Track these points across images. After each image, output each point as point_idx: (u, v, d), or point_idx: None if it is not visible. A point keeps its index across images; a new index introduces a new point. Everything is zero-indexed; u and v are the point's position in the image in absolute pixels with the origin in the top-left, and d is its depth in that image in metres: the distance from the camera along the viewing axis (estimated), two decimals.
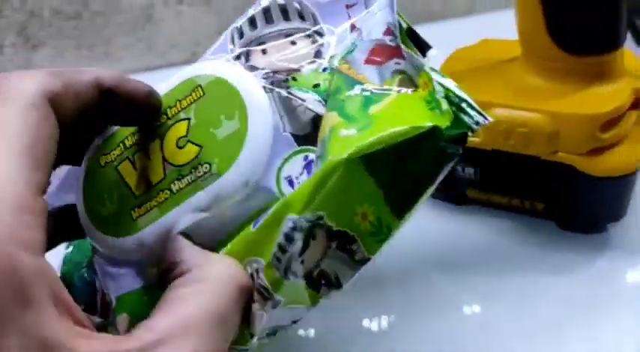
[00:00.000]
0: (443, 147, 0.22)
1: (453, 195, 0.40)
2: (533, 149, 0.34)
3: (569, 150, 0.34)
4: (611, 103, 0.33)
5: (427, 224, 0.41)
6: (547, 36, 0.33)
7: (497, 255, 0.38)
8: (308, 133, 0.23)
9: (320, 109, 0.23)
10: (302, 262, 0.21)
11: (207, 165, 0.22)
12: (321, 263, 0.21)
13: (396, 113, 0.22)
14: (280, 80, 0.24)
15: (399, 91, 0.23)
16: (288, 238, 0.21)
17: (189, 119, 0.23)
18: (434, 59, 0.54)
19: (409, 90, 0.23)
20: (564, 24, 0.33)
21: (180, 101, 0.24)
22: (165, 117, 0.24)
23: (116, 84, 0.21)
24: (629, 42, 0.56)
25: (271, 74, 0.24)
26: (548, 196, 0.36)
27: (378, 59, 0.24)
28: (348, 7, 0.26)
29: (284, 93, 0.24)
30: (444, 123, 0.22)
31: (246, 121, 0.22)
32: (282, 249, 0.21)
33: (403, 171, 0.21)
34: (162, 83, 0.26)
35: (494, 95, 0.35)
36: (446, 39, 0.61)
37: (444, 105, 0.23)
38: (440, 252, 0.39)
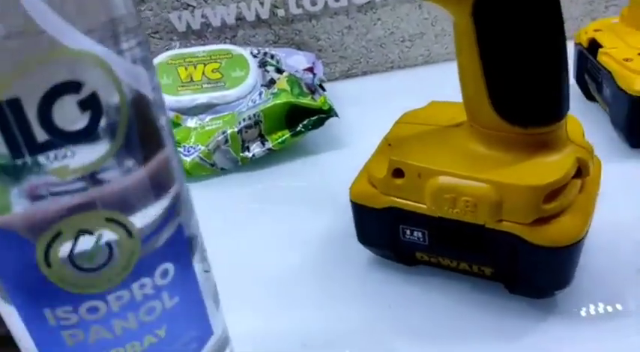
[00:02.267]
0: None
1: (403, 257, 0.40)
2: (478, 217, 0.34)
3: (514, 219, 0.34)
4: (554, 174, 0.33)
5: (377, 284, 0.41)
6: (490, 106, 0.34)
7: (446, 318, 0.38)
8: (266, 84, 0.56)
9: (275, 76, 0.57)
10: None
11: (223, 83, 0.55)
12: None
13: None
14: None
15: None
16: None
17: (221, 62, 0.57)
18: (391, 108, 0.55)
19: None
20: (507, 95, 0.33)
21: (217, 55, 0.57)
22: (209, 57, 0.57)
23: None
24: (579, 96, 0.57)
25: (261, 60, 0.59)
26: (494, 262, 0.36)
27: None
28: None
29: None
30: None
31: (248, 73, 0.56)
32: None
33: None
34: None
35: (439, 162, 0.35)
36: (404, 87, 0.62)
37: None
38: (389, 315, 0.39)
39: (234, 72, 0.56)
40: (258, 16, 0.62)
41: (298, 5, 0.62)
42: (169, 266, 0.23)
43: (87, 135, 0.19)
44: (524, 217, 0.33)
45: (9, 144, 0.18)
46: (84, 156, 0.19)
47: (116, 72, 0.19)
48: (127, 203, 0.21)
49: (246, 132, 0.53)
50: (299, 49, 0.63)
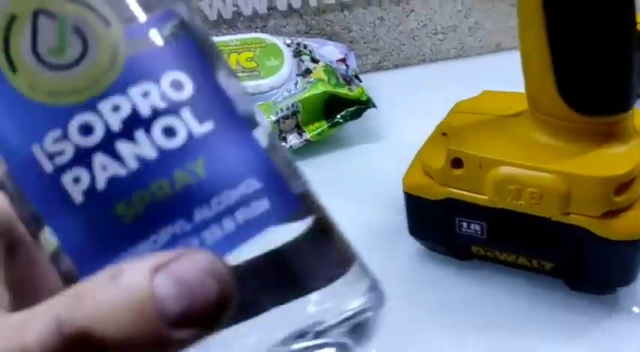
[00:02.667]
0: None
1: (457, 251, 0.39)
2: (544, 210, 0.33)
3: (582, 212, 0.33)
4: (625, 165, 0.32)
5: (430, 279, 0.40)
6: (557, 95, 0.32)
7: (503, 314, 0.37)
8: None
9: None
10: None
11: (258, 72, 0.53)
12: None
13: None
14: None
15: None
16: None
17: (254, 51, 0.54)
18: (425, 101, 0.54)
19: None
20: (575, 84, 0.32)
21: (251, 43, 0.55)
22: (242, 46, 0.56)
23: None
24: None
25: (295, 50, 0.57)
26: (557, 257, 0.35)
27: None
28: None
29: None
30: None
31: (282, 63, 0.54)
32: None
33: None
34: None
35: (501, 152, 0.34)
36: (437, 81, 0.61)
37: None
38: (442, 309, 0.38)
39: (268, 61, 0.55)
40: (290, 5, 0.60)
41: None
42: (181, 75, 0.17)
43: None
44: (594, 210, 0.32)
45: None
46: None
47: None
48: None
49: (284, 122, 0.51)
50: (330, 39, 0.62)
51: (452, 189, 0.36)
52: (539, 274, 0.38)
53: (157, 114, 0.17)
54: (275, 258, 0.18)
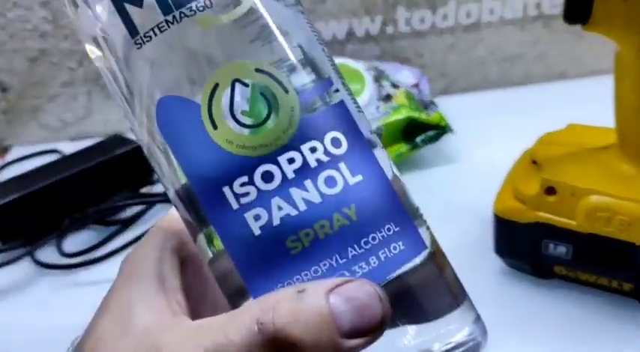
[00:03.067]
0: None
1: (540, 270, 0.42)
2: (631, 236, 0.36)
3: None
4: None
5: (513, 296, 0.43)
6: None
7: (581, 331, 0.40)
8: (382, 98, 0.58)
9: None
10: None
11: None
12: None
13: None
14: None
15: None
16: None
17: None
18: (492, 125, 0.57)
19: None
20: None
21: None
22: None
23: None
24: None
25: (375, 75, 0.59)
26: (638, 279, 0.38)
27: None
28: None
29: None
30: None
31: (364, 87, 0.58)
32: None
33: None
34: None
35: (592, 182, 0.38)
36: (503, 106, 0.64)
37: None
38: (523, 324, 0.41)
39: (351, 85, 0.58)
40: (367, 32, 0.64)
41: (407, 23, 0.64)
42: (339, 135, 0.21)
43: None
44: None
45: (160, 4, 0.20)
46: (223, 6, 0.21)
47: None
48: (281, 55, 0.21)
49: None
50: (402, 64, 0.65)
51: (542, 214, 0.39)
52: (617, 294, 0.41)
53: (321, 166, 0.21)
54: (402, 289, 0.21)
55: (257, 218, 0.21)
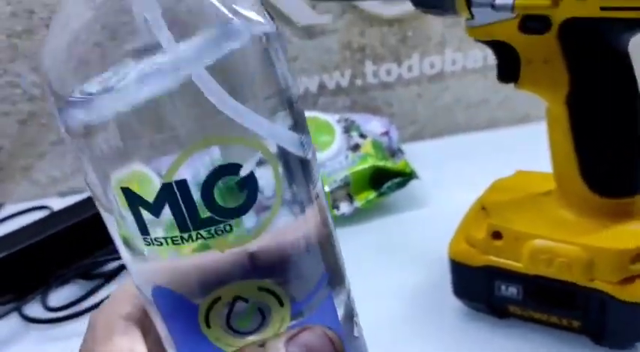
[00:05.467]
0: None
1: (496, 310, 0.45)
2: (571, 276, 0.39)
3: (604, 278, 0.38)
4: (638, 239, 0.38)
5: (472, 334, 0.45)
6: (581, 181, 0.39)
7: None
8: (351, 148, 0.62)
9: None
10: None
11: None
12: None
13: None
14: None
15: None
16: None
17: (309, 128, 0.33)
18: (460, 169, 0.61)
19: None
20: (596, 172, 0.39)
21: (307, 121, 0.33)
22: None
23: None
24: None
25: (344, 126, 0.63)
26: (583, 316, 0.41)
27: None
28: None
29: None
30: None
31: (334, 139, 0.61)
32: None
33: None
34: None
35: (534, 227, 0.41)
36: (470, 149, 0.68)
37: None
38: None
39: (321, 136, 0.62)
40: (338, 85, 0.68)
41: (375, 76, 0.68)
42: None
43: (244, 211, 0.20)
44: (613, 276, 0.38)
45: (177, 220, 0.20)
46: (241, 230, 0.21)
47: (273, 147, 0.21)
48: (280, 273, 0.22)
49: (337, 192, 0.58)
50: (373, 113, 0.69)
51: (491, 257, 0.42)
52: (568, 331, 0.43)
53: None
54: None
55: None
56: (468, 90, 0.71)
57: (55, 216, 0.60)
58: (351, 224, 0.58)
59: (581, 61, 0.36)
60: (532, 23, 0.36)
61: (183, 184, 0.20)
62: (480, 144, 0.70)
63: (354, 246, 0.56)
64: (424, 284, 0.51)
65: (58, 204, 0.68)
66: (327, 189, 0.58)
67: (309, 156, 0.23)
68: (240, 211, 0.20)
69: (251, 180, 0.20)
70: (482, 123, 0.73)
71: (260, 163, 0.21)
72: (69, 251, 0.55)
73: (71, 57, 0.20)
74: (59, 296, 0.54)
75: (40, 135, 0.69)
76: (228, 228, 0.20)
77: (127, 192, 0.20)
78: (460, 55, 0.68)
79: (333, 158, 0.61)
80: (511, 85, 0.40)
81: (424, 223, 0.58)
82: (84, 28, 0.20)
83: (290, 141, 0.22)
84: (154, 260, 0.22)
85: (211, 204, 0.20)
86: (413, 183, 0.60)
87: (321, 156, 0.61)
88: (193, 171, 0.20)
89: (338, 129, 0.63)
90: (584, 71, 0.37)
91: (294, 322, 0.22)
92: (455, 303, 0.47)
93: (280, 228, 0.21)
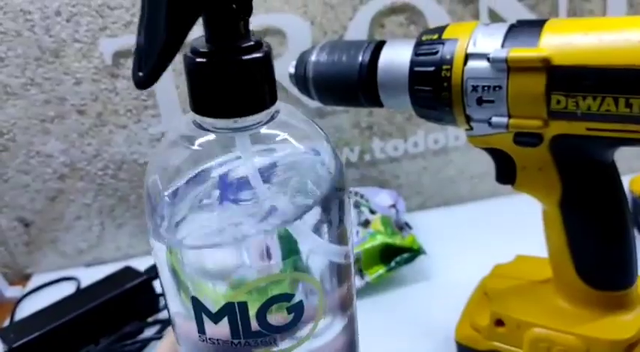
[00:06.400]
0: None
1: None
2: None
3: None
4: (632, 330, 0.41)
5: None
6: (576, 276, 0.42)
7: None
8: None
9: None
10: None
11: None
12: None
13: None
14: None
15: None
16: None
17: None
18: (464, 240, 0.64)
19: None
20: (590, 268, 0.42)
21: None
22: None
23: None
24: None
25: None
26: None
27: None
28: None
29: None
30: None
31: None
32: None
33: None
34: None
35: (533, 315, 0.44)
36: (474, 219, 0.71)
37: None
38: None
39: None
40: (348, 160, 0.72)
41: (382, 151, 0.72)
42: None
43: (289, 330, 0.25)
44: None
45: (232, 329, 0.25)
46: (285, 343, 0.25)
47: (320, 276, 0.26)
48: None
49: None
50: (381, 186, 0.73)
51: (496, 343, 0.45)
52: None
53: None
54: None
55: None
56: (470, 163, 0.74)
57: (82, 293, 0.63)
58: (362, 298, 0.62)
59: (571, 170, 0.40)
60: (525, 138, 0.40)
61: (243, 305, 0.24)
62: (483, 213, 0.73)
63: (366, 320, 0.59)
64: None
65: (84, 274, 0.72)
66: None
67: (351, 261, 0.28)
68: (286, 328, 0.25)
69: (299, 307, 0.25)
70: (485, 193, 0.76)
71: (308, 293, 0.26)
72: (96, 328, 0.59)
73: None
74: None
75: (67, 210, 0.73)
76: (273, 341, 0.25)
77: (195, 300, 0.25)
78: (462, 132, 0.72)
79: None
80: None
81: (431, 297, 0.61)
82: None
83: (338, 254, 0.27)
84: None
85: (263, 321, 0.25)
86: (420, 257, 0.64)
87: None
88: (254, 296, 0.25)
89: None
90: (574, 179, 0.40)
91: None
92: None
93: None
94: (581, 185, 0.40)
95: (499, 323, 0.45)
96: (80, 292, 0.65)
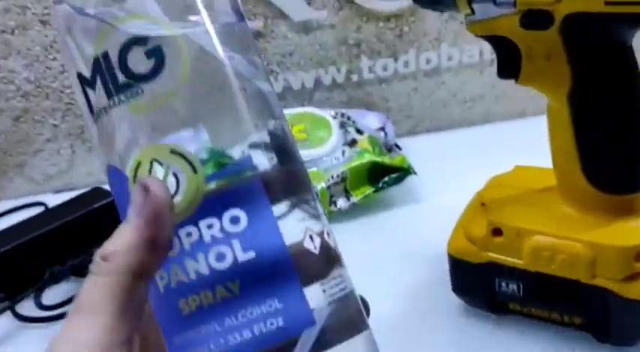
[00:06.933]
0: None
1: (496, 307, 0.45)
2: (573, 273, 0.39)
3: (607, 275, 0.38)
4: None
5: (469, 332, 0.45)
6: (584, 179, 0.39)
7: None
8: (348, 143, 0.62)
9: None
10: None
11: (308, 143, 0.50)
12: None
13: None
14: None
15: None
16: None
17: (306, 124, 0.53)
18: (456, 164, 0.60)
19: None
20: (599, 167, 0.38)
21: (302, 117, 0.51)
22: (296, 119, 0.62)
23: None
24: None
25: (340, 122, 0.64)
26: (585, 313, 0.41)
27: None
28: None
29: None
30: None
31: (330, 134, 0.61)
32: None
33: None
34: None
35: (535, 223, 0.40)
36: (465, 145, 0.68)
37: None
38: None
39: (318, 132, 0.62)
40: (334, 80, 0.68)
41: (371, 71, 0.68)
42: (240, 213, 0.23)
43: (152, 77, 0.23)
44: (616, 273, 0.38)
45: (105, 88, 0.24)
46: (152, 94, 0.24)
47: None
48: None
49: (334, 187, 0.58)
50: (369, 108, 0.69)
51: (492, 254, 0.42)
52: (570, 328, 0.43)
53: (214, 242, 0.23)
54: None
55: (161, 278, 0.23)
56: (464, 86, 0.70)
57: (50, 212, 0.59)
58: (348, 220, 0.58)
59: (584, 56, 0.36)
60: (534, 18, 0.35)
61: (106, 56, 0.24)
62: (476, 139, 0.70)
63: (351, 242, 0.55)
64: (422, 281, 0.50)
65: (53, 200, 0.67)
66: (323, 185, 0.58)
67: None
68: (149, 77, 0.23)
69: (157, 51, 0.23)
70: (478, 117, 0.72)
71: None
72: (63, 248, 0.55)
73: None
74: (53, 294, 0.53)
75: (34, 132, 0.68)
76: (140, 91, 0.23)
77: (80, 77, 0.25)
78: (456, 51, 0.68)
79: (330, 153, 0.60)
80: (508, 81, 0.39)
81: (421, 219, 0.57)
82: None
83: None
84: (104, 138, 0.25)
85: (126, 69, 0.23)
86: (410, 178, 0.60)
87: (318, 151, 0.60)
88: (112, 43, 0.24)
89: (334, 125, 0.62)
90: (587, 67, 0.36)
91: (211, 194, 0.23)
92: (454, 300, 0.47)
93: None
94: (593, 75, 0.36)
95: (496, 232, 0.41)
96: (47, 212, 0.61)
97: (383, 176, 0.59)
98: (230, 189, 0.23)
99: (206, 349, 0.23)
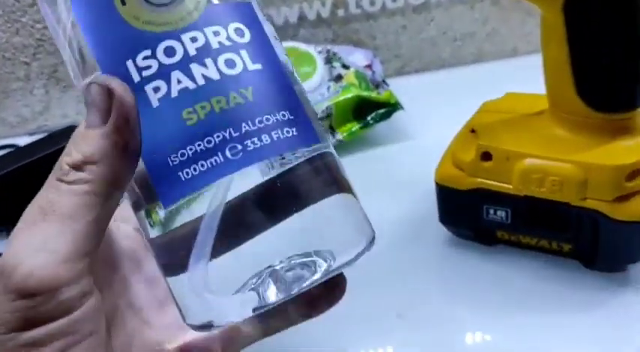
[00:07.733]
0: None
1: (483, 236, 0.43)
2: (563, 196, 0.37)
3: (597, 197, 0.37)
4: (635, 155, 0.36)
5: (458, 262, 0.44)
6: (576, 95, 0.37)
7: (525, 293, 0.41)
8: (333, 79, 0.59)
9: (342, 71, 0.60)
10: None
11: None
12: None
13: None
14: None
15: None
16: None
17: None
18: (445, 103, 0.58)
19: None
20: (592, 85, 0.37)
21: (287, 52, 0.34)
22: None
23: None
24: None
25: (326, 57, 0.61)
26: (575, 238, 0.40)
27: None
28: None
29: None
30: None
31: (315, 69, 0.58)
32: None
33: None
34: None
35: (525, 146, 0.39)
36: (456, 84, 0.65)
37: None
38: (468, 289, 0.42)
39: (302, 67, 0.59)
40: (319, 15, 0.65)
41: (357, 6, 0.65)
42: (243, 27, 0.23)
43: None
44: (607, 194, 0.37)
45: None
46: None
47: None
48: None
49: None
50: (356, 46, 0.66)
51: (480, 180, 0.40)
52: (558, 256, 0.42)
53: (223, 48, 0.22)
54: (291, 178, 0.22)
55: (156, 90, 0.22)
56: (454, 23, 0.68)
57: (20, 150, 0.57)
58: None
59: None
60: None
61: None
62: (467, 79, 0.68)
63: None
64: (409, 214, 0.49)
65: (26, 143, 0.65)
66: None
67: None
68: None
69: None
70: (468, 56, 0.70)
71: None
72: (34, 186, 0.53)
73: None
74: None
75: (4, 70, 0.65)
76: None
77: None
78: None
79: (315, 89, 0.58)
80: (499, 18, 0.37)
81: (409, 155, 0.56)
82: None
83: None
84: None
85: None
86: (397, 115, 0.58)
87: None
88: None
89: (319, 60, 0.60)
90: None
91: (214, 3, 0.23)
92: (441, 232, 0.45)
93: None
94: None
95: (485, 156, 0.40)
96: (18, 149, 0.58)
97: (370, 112, 0.57)
98: (233, 4, 0.23)
99: (220, 157, 0.21)
